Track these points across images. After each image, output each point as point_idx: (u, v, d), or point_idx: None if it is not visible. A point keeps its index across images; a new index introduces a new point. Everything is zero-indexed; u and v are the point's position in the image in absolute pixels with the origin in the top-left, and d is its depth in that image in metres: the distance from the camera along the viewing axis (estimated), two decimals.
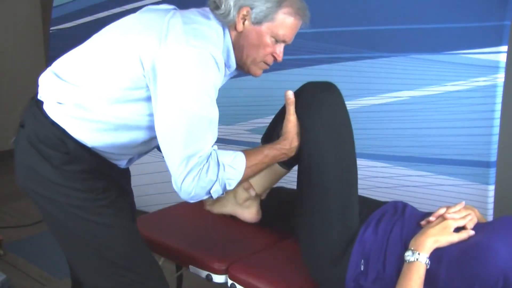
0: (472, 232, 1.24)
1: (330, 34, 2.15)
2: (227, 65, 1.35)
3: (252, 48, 1.33)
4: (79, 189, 1.32)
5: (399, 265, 1.24)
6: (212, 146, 1.27)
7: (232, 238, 1.69)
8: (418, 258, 1.19)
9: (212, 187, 1.25)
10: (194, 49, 1.22)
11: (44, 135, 1.31)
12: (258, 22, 1.30)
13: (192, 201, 1.28)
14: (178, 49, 1.21)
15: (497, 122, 1.85)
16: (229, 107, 2.43)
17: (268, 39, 1.32)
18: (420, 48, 1.97)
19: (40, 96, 1.35)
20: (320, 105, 1.40)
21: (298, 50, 2.20)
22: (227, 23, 1.32)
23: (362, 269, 1.31)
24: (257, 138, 2.35)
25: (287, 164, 1.51)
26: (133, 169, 1.87)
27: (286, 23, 1.31)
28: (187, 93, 1.21)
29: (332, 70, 2.16)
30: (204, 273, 1.56)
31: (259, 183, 1.54)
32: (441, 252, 1.20)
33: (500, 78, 1.83)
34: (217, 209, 1.62)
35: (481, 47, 1.85)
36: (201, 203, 1.94)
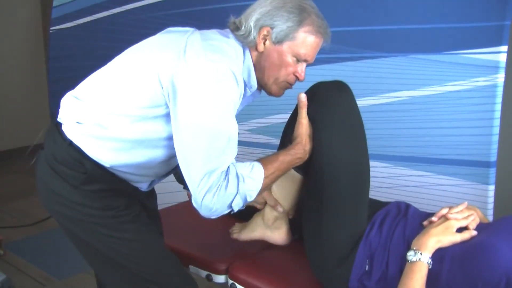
0: (474, 233, 1.24)
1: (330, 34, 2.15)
2: (248, 86, 1.34)
3: (274, 68, 1.32)
4: (99, 208, 1.32)
5: (401, 265, 1.24)
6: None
7: (232, 238, 1.69)
8: (421, 258, 1.19)
9: (233, 200, 1.22)
10: (213, 64, 1.20)
11: (61, 157, 1.31)
12: (279, 41, 1.29)
13: (213, 217, 1.24)
14: (196, 64, 1.20)
15: (497, 122, 1.85)
16: None
17: (290, 59, 1.31)
18: (420, 48, 1.97)
19: (60, 118, 1.36)
20: (334, 105, 1.38)
21: None
22: (248, 44, 1.31)
23: (366, 269, 1.31)
24: (257, 138, 2.35)
25: (303, 170, 1.47)
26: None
27: (307, 42, 1.30)
28: (206, 107, 1.19)
29: (332, 70, 2.16)
30: (204, 273, 1.56)
31: (284, 198, 1.48)
32: (444, 252, 1.20)
33: (500, 78, 1.83)
34: (246, 235, 1.56)
35: (481, 47, 1.85)
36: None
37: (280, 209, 1.47)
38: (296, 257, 1.50)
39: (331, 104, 1.38)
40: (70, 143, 1.30)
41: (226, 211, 1.24)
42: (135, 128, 1.28)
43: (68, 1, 2.89)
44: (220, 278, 1.54)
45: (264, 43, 1.30)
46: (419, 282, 1.17)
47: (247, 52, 1.32)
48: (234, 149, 1.24)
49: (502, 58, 1.82)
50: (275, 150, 2.14)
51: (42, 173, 1.36)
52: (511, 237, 1.17)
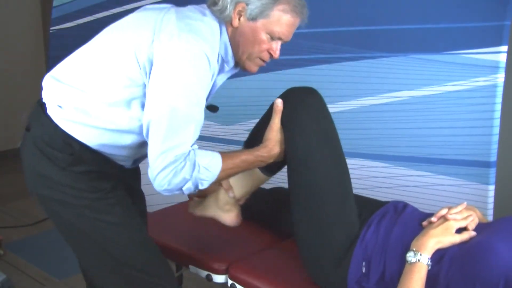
0: (473, 233, 1.24)
1: (330, 34, 2.15)
2: (225, 61, 1.36)
3: (247, 44, 1.33)
4: (86, 189, 1.33)
5: (400, 266, 1.24)
6: (192, 145, 1.27)
7: (232, 238, 1.69)
8: (420, 259, 1.19)
9: (184, 185, 1.26)
10: (186, 45, 1.23)
11: (49, 138, 1.32)
12: (253, 18, 1.31)
13: (164, 194, 1.29)
14: (170, 45, 1.23)
15: (497, 122, 1.85)
16: (229, 107, 2.43)
17: (264, 36, 1.32)
18: (420, 48, 1.97)
19: (43, 99, 1.36)
20: (308, 108, 1.40)
21: (298, 50, 2.20)
22: (224, 19, 1.32)
23: (363, 271, 1.31)
24: None
25: (269, 171, 1.51)
26: None
27: (281, 20, 1.31)
28: (175, 89, 1.22)
29: (332, 70, 2.16)
30: (204, 273, 1.56)
31: (238, 187, 1.52)
32: (443, 253, 1.20)
33: (500, 78, 1.83)
34: (199, 212, 1.60)
35: (481, 47, 1.85)
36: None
37: (231, 194, 1.51)
38: (296, 257, 1.50)
39: (305, 106, 1.40)
40: (56, 125, 1.31)
41: (177, 192, 1.28)
42: (113, 114, 1.30)
43: (68, 1, 2.89)
44: (220, 278, 1.54)
45: (239, 19, 1.32)
46: (419, 283, 1.17)
47: (223, 28, 1.33)
48: (195, 133, 1.27)
49: (502, 58, 1.82)
50: None
51: (28, 155, 1.36)
52: (510, 238, 1.17)
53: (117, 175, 1.39)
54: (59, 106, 1.32)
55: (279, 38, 1.34)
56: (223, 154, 1.33)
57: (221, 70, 1.36)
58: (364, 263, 1.31)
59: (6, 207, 3.27)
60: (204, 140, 2.53)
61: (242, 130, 2.40)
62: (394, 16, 2.01)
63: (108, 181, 1.37)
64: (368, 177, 2.12)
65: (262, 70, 2.32)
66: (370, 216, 1.40)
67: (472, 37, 1.86)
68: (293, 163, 1.41)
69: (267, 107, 2.37)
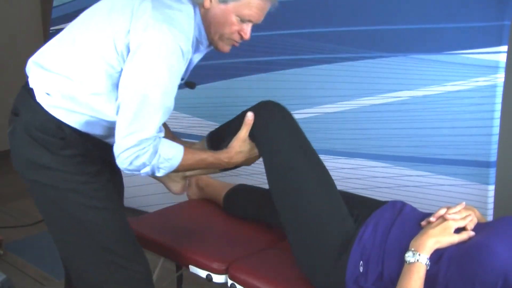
0: (472, 233, 1.24)
1: (330, 34, 2.15)
2: (200, 41, 1.41)
3: (218, 25, 1.37)
4: (73, 172, 1.39)
5: (398, 266, 1.24)
6: (158, 132, 1.33)
7: (232, 238, 1.69)
8: (419, 259, 1.19)
9: (143, 168, 1.33)
10: (161, 36, 1.26)
11: (41, 124, 1.35)
12: (224, 1, 1.34)
13: (126, 172, 1.36)
14: (145, 35, 1.27)
15: (497, 122, 1.85)
16: (229, 107, 2.43)
17: (234, 18, 1.35)
18: (420, 48, 1.97)
19: (30, 85, 1.39)
20: (278, 121, 1.47)
21: (298, 50, 2.20)
22: (197, 1, 1.36)
23: (361, 270, 1.31)
24: None
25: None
26: None
27: (251, 3, 1.34)
28: (147, 78, 1.27)
29: (332, 70, 2.16)
30: (204, 273, 1.56)
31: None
32: (441, 253, 1.20)
33: (500, 78, 1.83)
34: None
35: (481, 47, 1.85)
36: (199, 201, 1.95)
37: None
38: None
39: (276, 121, 1.47)
40: (47, 112, 1.35)
41: (136, 173, 1.35)
42: (100, 102, 1.35)
43: (68, 1, 2.89)
44: (220, 278, 1.54)
45: (211, 1, 1.35)
46: (417, 283, 1.17)
47: (197, 9, 1.37)
48: (162, 118, 1.32)
49: (502, 58, 1.82)
50: None
51: (18, 140, 1.39)
52: (508, 237, 1.17)
53: (104, 157, 1.43)
54: (47, 94, 1.36)
55: (249, 21, 1.37)
56: (187, 149, 1.40)
57: (196, 50, 1.42)
58: (361, 262, 1.31)
59: (6, 207, 3.27)
60: None
61: None
62: (394, 16, 2.01)
63: (95, 165, 1.42)
64: (368, 177, 2.12)
65: (262, 70, 2.34)
66: (369, 215, 1.40)
67: (472, 37, 1.86)
68: (273, 173, 1.46)
69: None
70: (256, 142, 1.48)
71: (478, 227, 1.26)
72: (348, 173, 2.15)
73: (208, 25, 1.38)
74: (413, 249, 1.21)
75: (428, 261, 1.19)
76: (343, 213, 1.40)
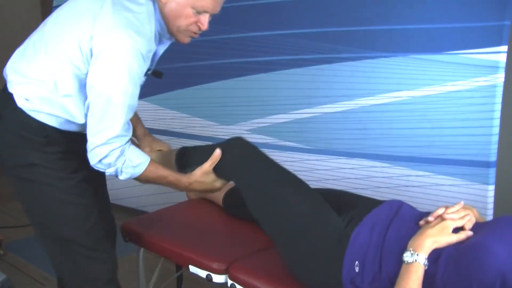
0: (470, 233, 1.23)
1: (330, 34, 2.15)
2: (162, 34, 1.46)
3: (175, 18, 1.41)
4: (54, 168, 1.45)
5: (396, 265, 1.23)
6: (127, 130, 1.39)
7: (232, 238, 1.69)
8: (417, 259, 1.19)
9: (108, 168, 1.41)
10: (121, 42, 1.32)
11: (23, 124, 1.42)
12: None
13: (95, 168, 1.42)
14: (106, 40, 1.32)
15: (497, 122, 1.85)
16: (229, 107, 2.43)
17: (190, 10, 1.39)
18: (420, 48, 1.97)
19: (9, 89, 1.44)
20: (247, 152, 1.56)
21: (298, 50, 2.20)
22: None
23: (357, 270, 1.30)
24: (257, 138, 2.35)
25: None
26: None
27: None
28: (110, 81, 1.34)
29: (332, 70, 2.16)
30: (204, 273, 1.56)
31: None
32: (439, 253, 1.20)
33: (500, 78, 1.83)
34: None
35: (481, 47, 1.85)
36: (199, 201, 1.95)
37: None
38: None
39: (243, 155, 1.55)
40: (28, 115, 1.41)
41: (102, 171, 1.42)
42: (73, 104, 1.41)
43: None
44: (220, 278, 1.54)
45: None
46: (416, 283, 1.16)
47: (156, 5, 1.41)
48: (128, 115, 1.38)
49: (502, 58, 1.82)
50: (275, 150, 2.16)
51: (3, 141, 1.46)
52: (506, 237, 1.16)
53: (84, 155, 1.46)
54: (26, 99, 1.41)
55: (205, 11, 1.40)
56: (152, 163, 1.47)
57: (160, 42, 1.47)
58: (357, 262, 1.31)
59: (6, 207, 3.27)
60: (204, 140, 2.54)
61: (242, 130, 2.41)
62: (394, 16, 2.01)
63: (73, 162, 1.48)
64: (368, 177, 2.12)
65: (262, 70, 2.34)
66: (364, 215, 1.39)
67: (472, 37, 1.86)
68: (252, 204, 1.51)
69: (267, 107, 2.38)
70: (227, 177, 1.57)
71: (477, 227, 1.25)
72: (348, 173, 2.15)
73: (166, 19, 1.42)
74: (411, 249, 1.21)
75: (426, 261, 1.19)
76: (329, 216, 1.40)
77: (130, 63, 1.33)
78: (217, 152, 1.53)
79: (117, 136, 1.37)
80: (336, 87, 2.16)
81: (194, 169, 1.54)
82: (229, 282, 1.51)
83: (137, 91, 1.39)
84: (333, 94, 2.16)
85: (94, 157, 1.38)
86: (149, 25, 1.39)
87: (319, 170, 2.20)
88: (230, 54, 2.41)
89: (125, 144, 1.40)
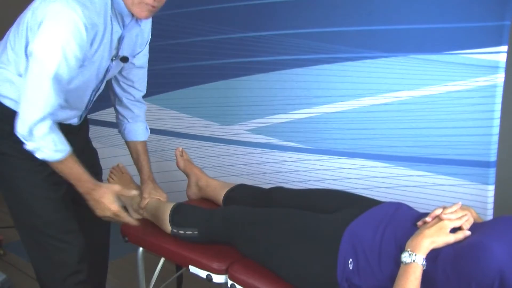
0: (468, 233, 1.24)
1: (330, 34, 2.15)
2: (123, 14, 1.46)
3: None
4: (22, 158, 1.47)
5: (394, 266, 1.23)
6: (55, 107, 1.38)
7: None
8: (415, 259, 1.19)
9: (30, 141, 1.38)
10: (60, 10, 1.32)
11: None
12: None
13: (18, 136, 1.40)
14: (46, 9, 1.33)
15: (497, 122, 1.85)
16: (229, 107, 2.43)
17: None
18: (420, 48, 1.97)
19: None
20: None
21: (298, 50, 2.20)
22: None
23: (351, 268, 1.30)
24: (257, 138, 2.35)
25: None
26: (133, 169, 1.87)
27: None
28: (43, 53, 1.33)
29: (332, 70, 2.16)
30: (204, 273, 1.56)
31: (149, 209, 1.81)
32: (437, 253, 1.20)
33: (500, 78, 1.83)
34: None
35: (481, 47, 1.85)
36: (199, 201, 1.95)
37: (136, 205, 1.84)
38: None
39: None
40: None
41: (24, 142, 1.39)
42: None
43: None
44: (220, 278, 1.54)
45: None
46: (414, 284, 1.16)
47: None
48: (57, 95, 1.37)
49: (502, 58, 1.82)
50: (275, 150, 2.16)
51: None
52: (504, 237, 1.16)
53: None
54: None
55: None
56: (72, 157, 1.44)
57: (124, 25, 1.49)
58: (351, 260, 1.31)
59: (6, 207, 3.27)
60: (204, 140, 2.53)
61: (242, 130, 2.41)
62: (394, 16, 2.01)
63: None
64: (368, 177, 2.12)
65: (262, 70, 2.34)
66: (362, 213, 1.39)
67: (472, 37, 1.86)
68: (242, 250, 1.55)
69: (267, 107, 2.37)
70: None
71: (474, 227, 1.26)
72: (348, 173, 2.16)
73: None
74: (409, 249, 1.21)
75: (424, 262, 1.19)
76: (319, 224, 1.41)
77: (65, 33, 1.32)
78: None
79: (47, 116, 1.36)
80: (336, 87, 2.16)
81: (187, 229, 1.62)
82: (229, 282, 1.51)
83: (72, 66, 1.37)
84: (333, 94, 2.16)
85: (22, 124, 1.36)
86: (99, 2, 1.40)
87: (319, 170, 2.20)
88: (230, 54, 2.41)
89: (51, 124, 1.39)
